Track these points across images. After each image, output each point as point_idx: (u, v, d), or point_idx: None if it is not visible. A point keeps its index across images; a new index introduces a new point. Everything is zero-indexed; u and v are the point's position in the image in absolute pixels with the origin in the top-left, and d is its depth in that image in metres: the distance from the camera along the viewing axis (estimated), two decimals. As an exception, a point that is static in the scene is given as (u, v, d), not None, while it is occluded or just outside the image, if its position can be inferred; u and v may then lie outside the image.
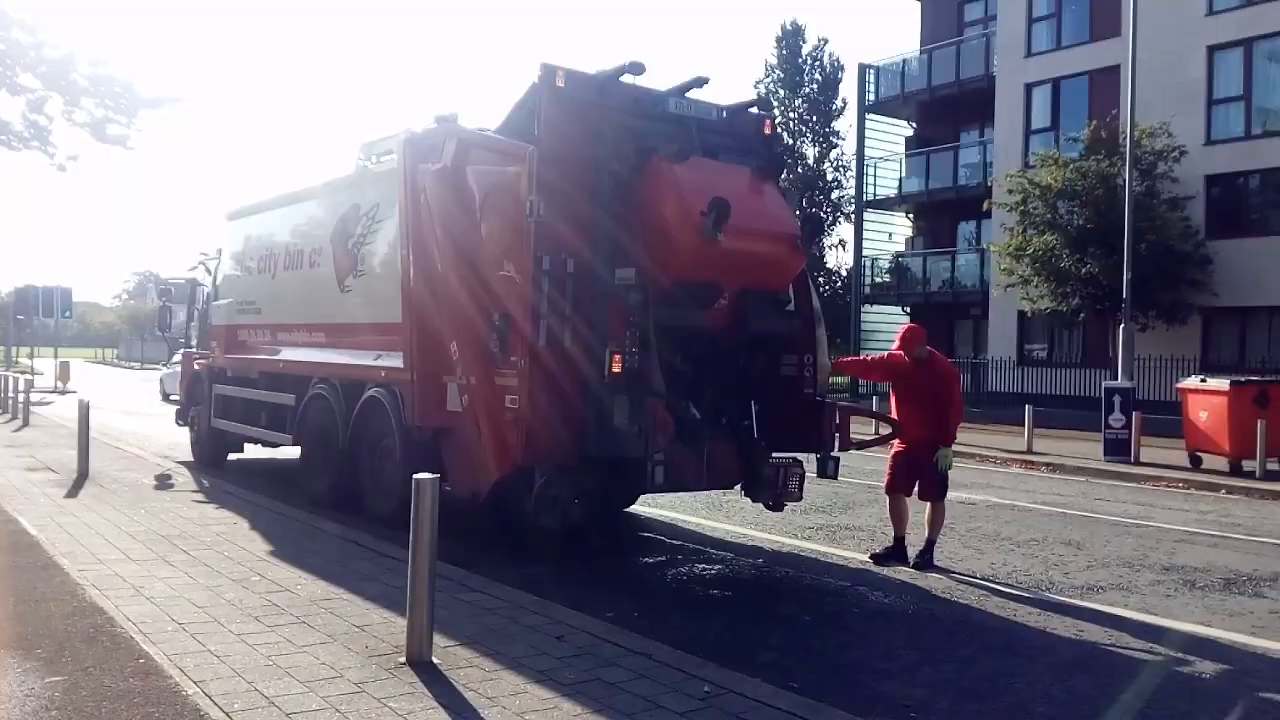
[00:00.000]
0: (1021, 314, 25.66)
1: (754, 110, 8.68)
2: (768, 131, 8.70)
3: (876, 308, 33.39)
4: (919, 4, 32.98)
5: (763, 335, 7.83)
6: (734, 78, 73.83)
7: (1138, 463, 15.40)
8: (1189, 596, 7.05)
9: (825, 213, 35.19)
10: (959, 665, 5.34)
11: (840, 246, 35.59)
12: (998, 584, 7.24)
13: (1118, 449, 15.82)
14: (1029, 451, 16.62)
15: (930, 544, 7.74)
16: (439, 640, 4.82)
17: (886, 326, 31.39)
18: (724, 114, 8.32)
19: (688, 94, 8.11)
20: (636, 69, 7.63)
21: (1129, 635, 6.01)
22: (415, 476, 4.63)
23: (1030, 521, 10.13)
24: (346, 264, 9.44)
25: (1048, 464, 15.61)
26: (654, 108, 7.93)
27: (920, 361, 7.85)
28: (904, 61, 32.03)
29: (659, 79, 8.30)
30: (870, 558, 7.82)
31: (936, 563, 7.69)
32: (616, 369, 6.92)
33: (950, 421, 7.75)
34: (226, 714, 3.86)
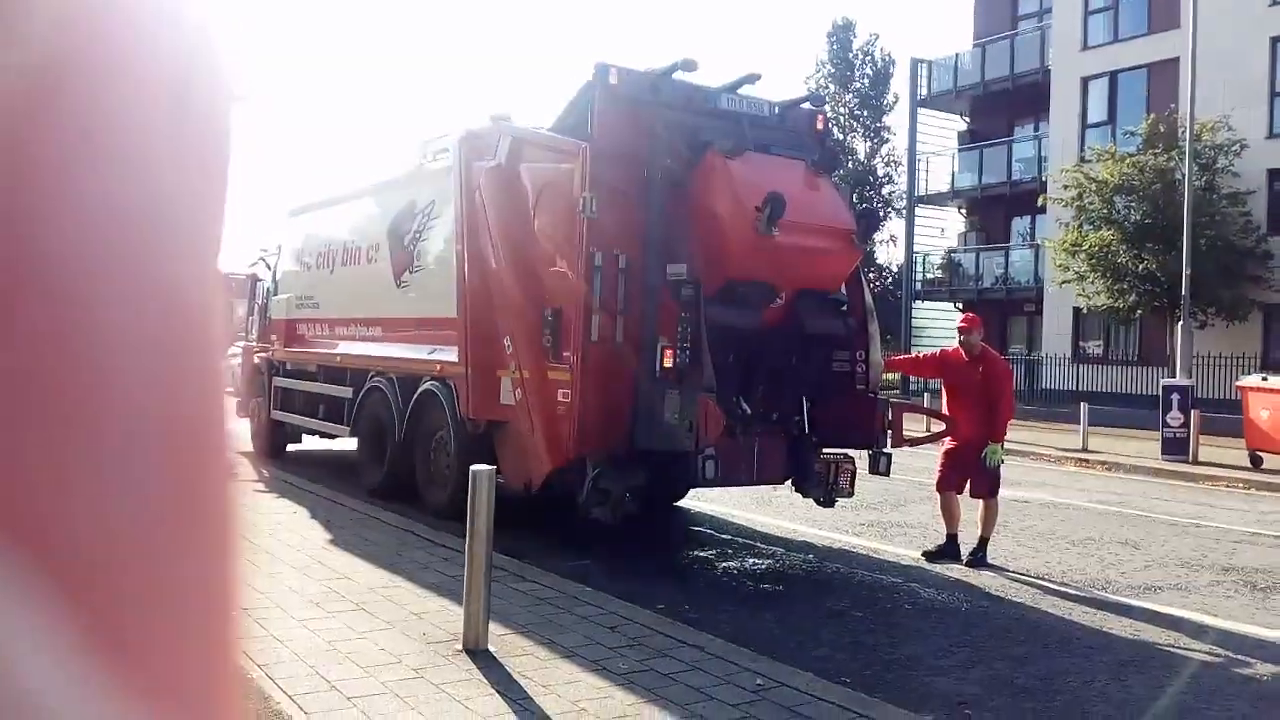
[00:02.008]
0: (1077, 310, 25.22)
1: (806, 106, 8.68)
2: (820, 127, 8.69)
3: (928, 304, 33.00)
4: (972, -3, 32.53)
5: (818, 335, 7.84)
6: (785, 74, 73.33)
7: (1196, 462, 15.09)
8: (1249, 598, 6.92)
9: (876, 208, 34.86)
10: (1013, 663, 5.31)
11: (891, 242, 35.24)
12: (1053, 583, 7.17)
13: (1176, 448, 15.52)
14: (1084, 449, 16.36)
15: (983, 541, 7.68)
16: (494, 628, 4.91)
17: (938, 323, 31.03)
18: (776, 109, 8.33)
19: (739, 90, 8.14)
20: (689, 66, 7.67)
21: (1187, 636, 5.93)
22: (472, 468, 4.73)
23: (1085, 520, 9.99)
24: (403, 260, 9.60)
25: (1103, 462, 15.36)
26: (706, 104, 7.96)
27: (973, 357, 7.80)
28: (957, 56, 31.57)
29: (711, 76, 8.34)
30: (923, 555, 7.79)
31: (990, 561, 7.63)
32: (668, 364, 6.98)
33: (1001, 418, 7.69)
34: (290, 697, 3.98)
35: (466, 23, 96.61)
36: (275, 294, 12.92)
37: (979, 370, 7.80)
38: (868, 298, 8.16)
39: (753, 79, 8.13)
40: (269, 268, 13.49)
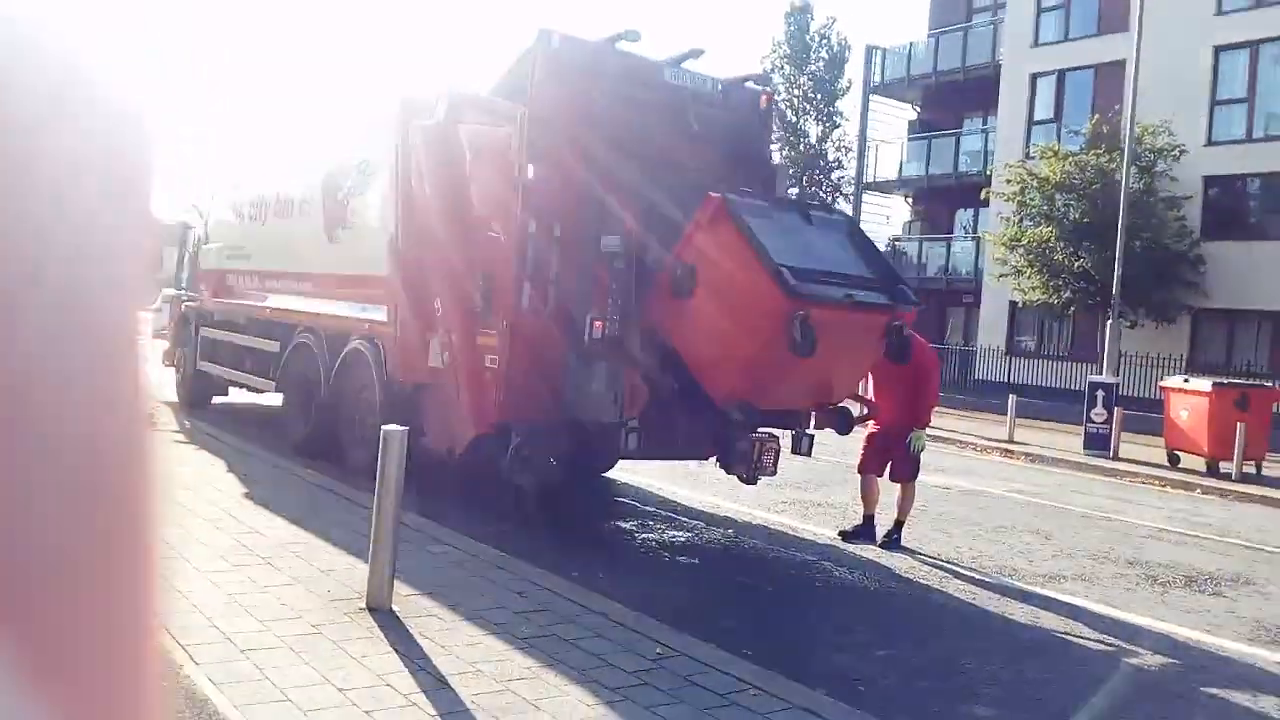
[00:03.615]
0: (1013, 304, 25.70)
1: (751, 84, 8.66)
2: (764, 105, 8.69)
3: (870, 290, 33.41)
4: (931, -13, 32.73)
5: None
6: (741, 52, 73.28)
7: (1116, 458, 15.52)
8: (1149, 591, 7.15)
9: (825, 192, 35.06)
10: (912, 644, 5.43)
11: (838, 227, 35.55)
12: (961, 568, 7.34)
13: (1097, 443, 15.94)
14: (1010, 440, 16.73)
15: (899, 525, 7.83)
16: (402, 589, 4.89)
17: (879, 310, 31.37)
18: (720, 86, 8.30)
19: (683, 64, 8.10)
20: (632, 36, 7.61)
21: (1084, 625, 6.11)
22: (384, 428, 4.68)
23: (1002, 509, 10.24)
24: (336, 215, 9.43)
25: (1027, 454, 15.73)
26: (649, 76, 7.91)
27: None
28: (911, 45, 31.80)
29: (662, 50, 8.27)
30: (839, 535, 7.91)
31: (904, 544, 7.78)
32: (597, 335, 6.97)
33: (925, 405, 7.81)
34: (183, 646, 3.92)
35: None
36: (206, 243, 12.62)
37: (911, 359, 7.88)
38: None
39: (696, 54, 8.09)
40: (201, 215, 13.16)
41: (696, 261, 6.63)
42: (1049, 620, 6.12)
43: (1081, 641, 5.80)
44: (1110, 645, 5.77)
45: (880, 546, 7.66)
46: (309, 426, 9.54)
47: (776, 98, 34.60)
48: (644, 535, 7.73)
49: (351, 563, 5.43)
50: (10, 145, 0.27)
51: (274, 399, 10.66)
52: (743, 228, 6.45)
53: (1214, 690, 5.12)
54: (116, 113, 0.31)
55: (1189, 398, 14.98)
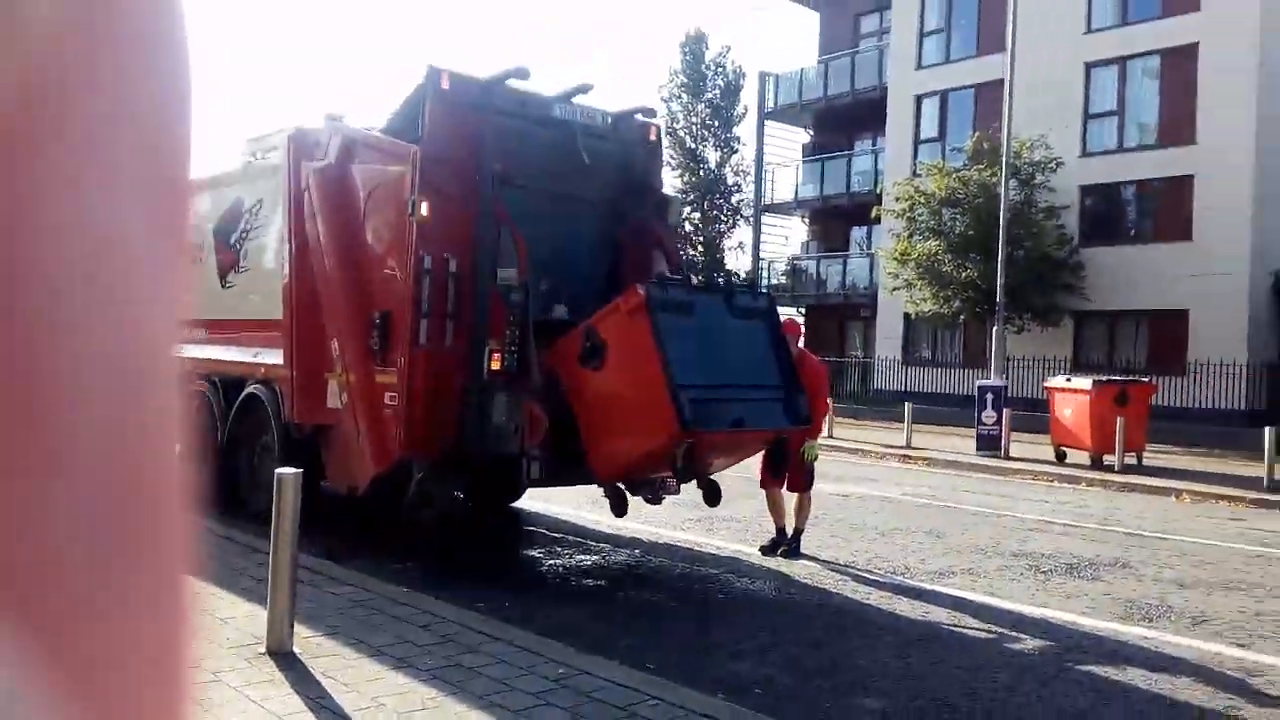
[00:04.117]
0: (907, 316, 26.61)
1: (639, 117, 8.92)
2: (652, 138, 8.96)
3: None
4: (818, 15, 33.85)
5: None
6: (638, 82, 74.56)
7: (1007, 457, 16.21)
8: (1032, 580, 7.56)
9: (725, 216, 35.81)
10: (809, 646, 5.67)
11: (740, 249, 36.33)
12: (857, 570, 7.64)
13: (989, 444, 16.63)
14: (908, 446, 17.32)
15: (798, 533, 8.09)
16: (302, 631, 4.92)
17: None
18: (609, 119, 8.55)
19: (573, 99, 8.33)
20: (522, 74, 7.79)
21: (969, 616, 6.45)
22: (277, 471, 4.73)
23: (897, 512, 10.64)
24: (229, 259, 9.36)
25: (924, 458, 16.31)
26: (539, 111, 8.12)
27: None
28: (802, 71, 32.84)
29: (559, 84, 8.47)
30: (760, 550, 8.07)
31: (804, 551, 8.05)
32: (495, 367, 7.10)
33: (817, 416, 8.11)
34: (78, 704, 3.90)
35: (301, 20, 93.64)
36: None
37: (801, 373, 8.17)
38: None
39: (585, 89, 8.32)
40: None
41: (609, 341, 6.82)
42: (937, 614, 6.44)
43: (966, 631, 6.13)
44: (993, 632, 6.11)
45: (781, 555, 7.92)
46: (207, 475, 9.39)
47: (675, 125, 35.29)
48: (551, 561, 7.84)
49: (252, 609, 5.42)
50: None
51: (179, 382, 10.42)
52: (657, 333, 6.54)
53: (1087, 667, 5.47)
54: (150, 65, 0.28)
55: (1072, 396, 15.76)
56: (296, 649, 4.71)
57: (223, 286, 9.41)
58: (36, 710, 0.23)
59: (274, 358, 8.38)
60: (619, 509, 7.50)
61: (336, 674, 4.44)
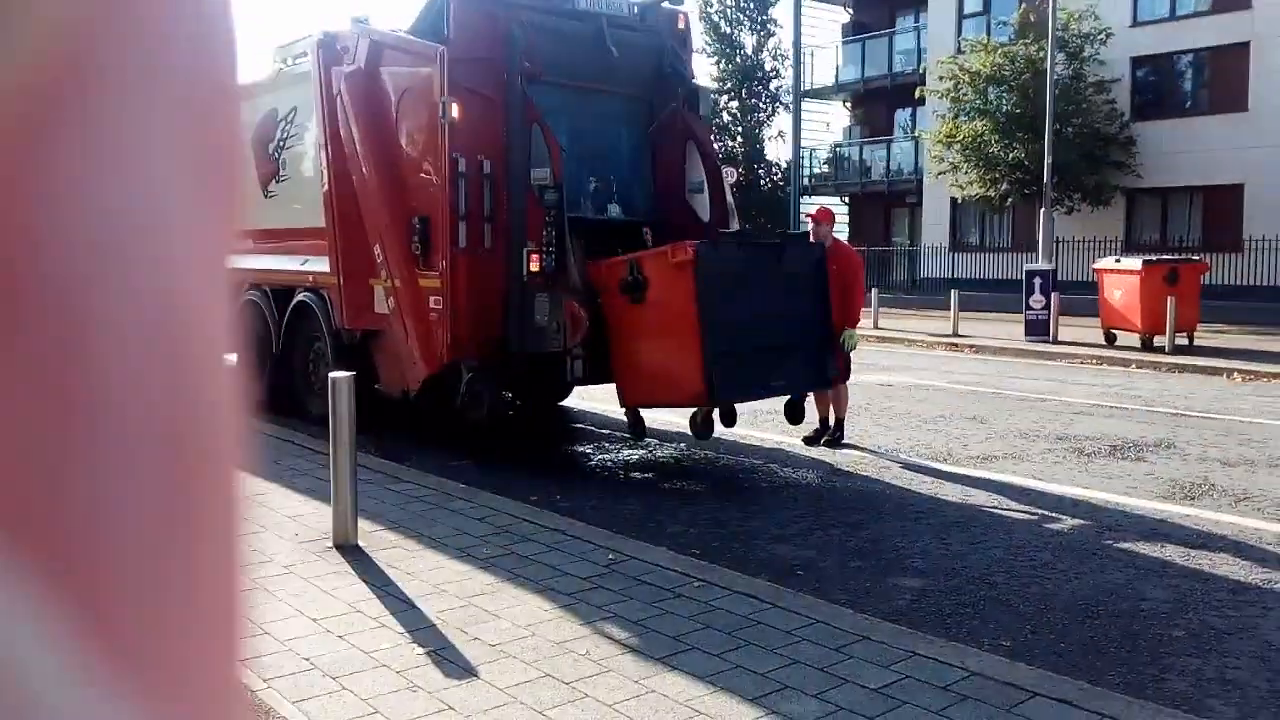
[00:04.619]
0: (954, 201, 26.11)
1: (666, 5, 8.73)
2: (680, 27, 8.79)
3: (816, 198, 33.62)
4: (855, -116, 32.30)
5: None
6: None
7: (1056, 342, 16.09)
8: (1075, 463, 7.62)
9: (764, 103, 34.99)
10: (849, 529, 5.83)
11: (780, 138, 35.55)
12: (900, 457, 7.76)
13: (1038, 329, 16.49)
14: (955, 334, 17.24)
15: (839, 422, 8.17)
16: (366, 525, 5.17)
17: (826, 217, 31.64)
18: (635, 9, 8.39)
19: (598, -11, 8.16)
20: (546, -34, 7.65)
21: (1010, 499, 6.55)
22: (331, 375, 4.91)
23: (941, 400, 10.69)
24: (268, 169, 9.45)
25: (971, 346, 16.25)
26: (564, 4, 7.98)
27: (825, 246, 8.09)
28: (840, -55, 31.56)
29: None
30: (803, 441, 8.18)
31: (847, 440, 8.16)
32: (534, 268, 7.19)
33: (854, 305, 8.07)
34: (162, 596, 4.18)
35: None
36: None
37: (831, 261, 8.11)
38: (729, 198, 8.43)
39: (611, -22, 8.15)
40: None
41: (652, 280, 6.80)
42: (978, 498, 6.56)
43: (1007, 513, 6.24)
44: (1034, 514, 6.22)
45: (825, 445, 8.04)
46: (266, 382, 9.70)
47: (709, 9, 34.27)
48: (600, 457, 8.06)
49: (316, 507, 5.69)
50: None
51: (228, 358, 10.74)
52: (700, 293, 6.49)
53: (1126, 545, 5.57)
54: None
55: (1121, 277, 15.50)
56: (361, 542, 4.97)
57: (265, 196, 9.53)
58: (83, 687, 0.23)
59: (320, 265, 8.53)
60: (637, 432, 7.62)
61: (399, 564, 4.69)
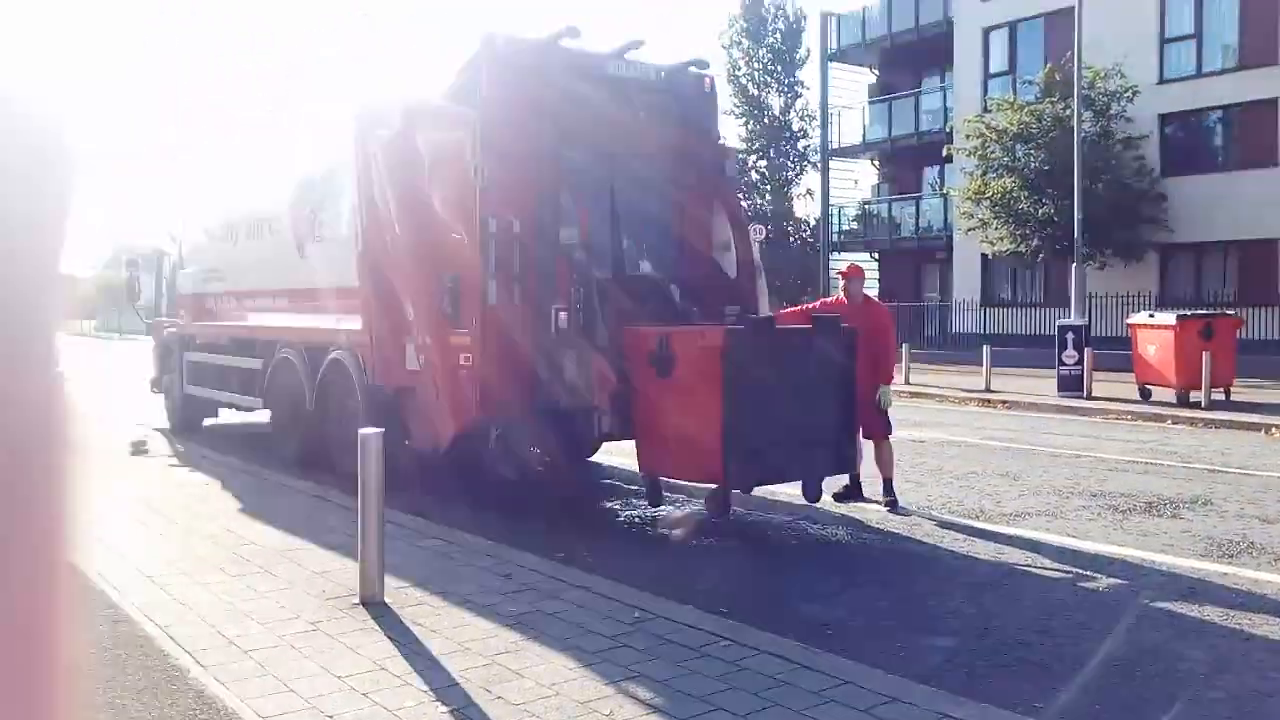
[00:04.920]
0: (984, 256, 26.07)
1: (693, 69, 8.91)
2: (706, 90, 8.95)
3: (845, 255, 33.72)
4: (880, -51, 32.89)
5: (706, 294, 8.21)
6: (698, 31, 73.45)
7: (1090, 397, 15.91)
8: (1110, 520, 7.50)
9: (792, 162, 35.33)
10: (880, 588, 5.76)
11: (808, 195, 35.80)
12: (932, 514, 7.67)
13: (1070, 385, 16.33)
14: (987, 390, 17.10)
15: (888, 483, 7.93)
16: (393, 582, 5.19)
17: (855, 273, 31.72)
18: (663, 74, 8.57)
19: (625, 55, 8.37)
20: (573, 33, 7.87)
21: (1045, 557, 6.45)
22: (361, 431, 4.97)
23: (974, 456, 10.58)
24: (305, 230, 9.68)
25: (1003, 401, 16.10)
26: (594, 70, 8.18)
27: (857, 306, 8.10)
28: (864, 9, 32.03)
29: (620, 36, 8.53)
30: (833, 497, 8.09)
31: (866, 496, 8.00)
32: (563, 325, 7.28)
33: (887, 362, 8.06)
34: (189, 653, 4.22)
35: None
36: (182, 267, 12.85)
37: (863, 318, 8.11)
38: (755, 255, 8.51)
39: (637, 45, 8.35)
40: (175, 240, 13.38)
41: (679, 358, 6.79)
42: (1012, 555, 6.46)
43: (1041, 572, 6.14)
44: (1069, 572, 6.11)
45: (887, 510, 7.73)
46: (298, 439, 9.82)
47: (737, 72, 34.83)
48: (627, 513, 8.04)
49: (344, 563, 5.72)
50: None
51: (263, 415, 10.92)
52: (728, 380, 6.42)
53: (1164, 604, 5.45)
54: (35, 154, 0.30)
55: (1155, 332, 15.36)
56: (387, 599, 4.98)
57: (300, 257, 9.75)
58: None
59: (353, 324, 8.68)
60: (654, 499, 7.58)
61: (424, 621, 4.70)
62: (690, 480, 7.22)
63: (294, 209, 9.83)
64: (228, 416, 12.64)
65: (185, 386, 12.48)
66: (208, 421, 12.96)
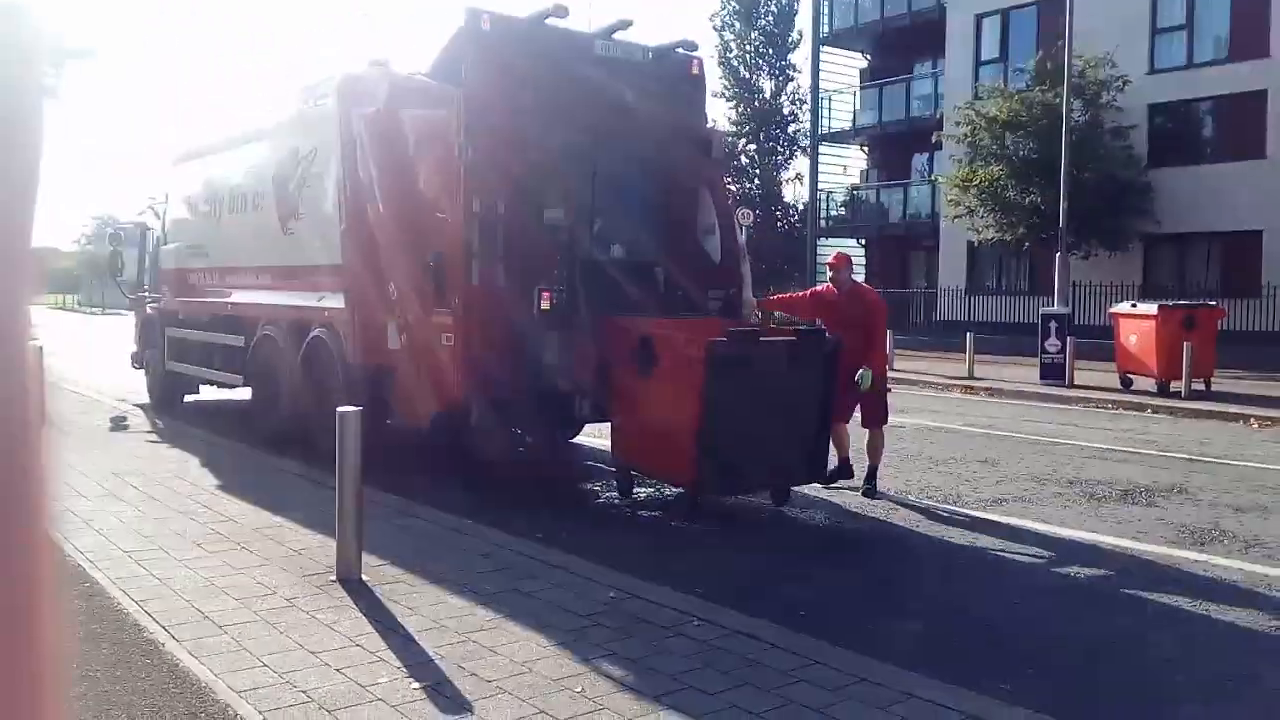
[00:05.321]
0: (970, 244, 26.13)
1: (680, 51, 8.88)
2: (694, 72, 8.93)
3: (833, 241, 33.74)
4: (873, -67, 32.76)
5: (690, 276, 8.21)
6: (689, 12, 73.13)
7: (1071, 385, 16.01)
8: (1085, 507, 7.57)
9: (782, 146, 35.28)
10: (853, 572, 5.82)
11: (797, 180, 35.79)
12: (908, 499, 7.72)
13: (1053, 373, 16.42)
14: (970, 377, 17.18)
15: (872, 470, 7.94)
16: (370, 560, 5.20)
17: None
18: (650, 55, 8.53)
19: (613, 36, 8.33)
20: (560, 12, 7.82)
21: (1018, 543, 6.51)
22: (339, 410, 4.96)
23: (954, 442, 10.65)
24: (288, 207, 9.62)
25: (986, 389, 16.19)
26: (581, 50, 8.14)
27: (845, 293, 8.05)
28: (857, -8, 31.96)
29: (604, 18, 8.46)
30: (822, 482, 8.06)
31: (852, 482, 8.04)
32: (545, 306, 7.28)
33: (879, 347, 8.01)
34: (164, 628, 4.23)
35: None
36: (165, 243, 12.76)
37: (853, 304, 8.05)
38: (740, 239, 8.52)
39: (625, 24, 8.32)
40: (158, 216, 13.28)
41: (661, 360, 6.76)
42: (985, 541, 6.52)
43: (1013, 557, 6.21)
44: (1041, 558, 6.18)
45: (863, 496, 7.76)
46: (279, 417, 9.79)
47: (728, 54, 34.69)
48: (608, 494, 8.06)
49: (322, 541, 5.73)
50: None
51: (244, 392, 10.89)
52: (709, 389, 6.36)
53: (1133, 590, 5.52)
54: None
55: (1137, 321, 15.45)
56: (364, 576, 5.00)
57: (284, 234, 9.69)
58: None
59: (336, 302, 8.65)
60: (624, 490, 7.58)
61: (401, 599, 4.72)
62: (662, 479, 7.27)
63: (277, 184, 9.76)
64: (209, 393, 12.60)
65: (167, 362, 12.42)
66: (189, 398, 12.92)
